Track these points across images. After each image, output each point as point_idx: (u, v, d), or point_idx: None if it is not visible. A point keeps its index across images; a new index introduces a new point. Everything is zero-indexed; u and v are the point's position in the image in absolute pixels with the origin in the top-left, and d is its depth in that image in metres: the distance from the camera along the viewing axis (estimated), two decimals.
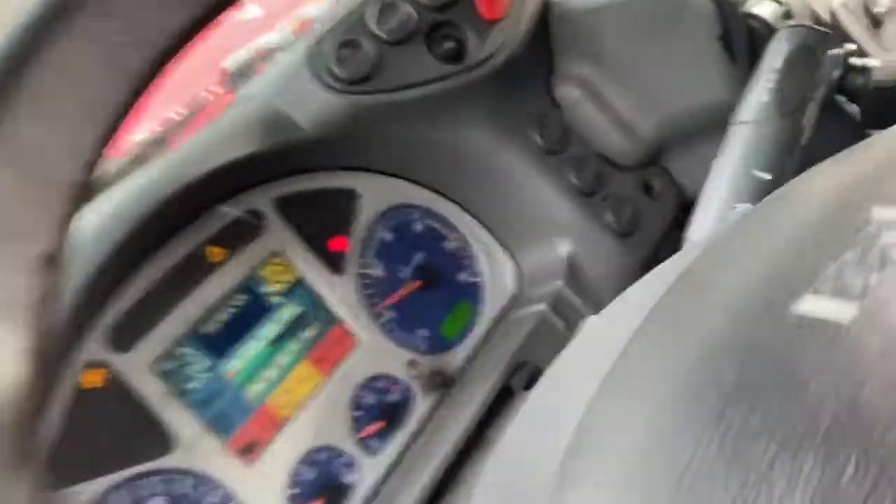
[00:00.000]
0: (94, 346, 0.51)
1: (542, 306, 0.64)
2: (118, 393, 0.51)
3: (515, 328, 0.65)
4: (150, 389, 0.52)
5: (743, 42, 0.61)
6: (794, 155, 0.48)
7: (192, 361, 0.54)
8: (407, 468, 0.59)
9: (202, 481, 0.52)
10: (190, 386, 0.54)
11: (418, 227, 0.68)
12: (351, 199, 0.64)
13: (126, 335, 0.52)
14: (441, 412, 0.61)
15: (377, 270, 0.64)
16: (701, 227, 0.48)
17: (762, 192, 0.47)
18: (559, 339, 0.63)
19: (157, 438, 0.52)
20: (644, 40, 0.64)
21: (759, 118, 0.48)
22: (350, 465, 0.58)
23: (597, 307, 0.66)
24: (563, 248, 0.67)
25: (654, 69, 0.65)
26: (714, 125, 0.65)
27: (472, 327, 0.67)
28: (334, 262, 0.62)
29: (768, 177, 0.46)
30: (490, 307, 0.68)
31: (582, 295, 0.65)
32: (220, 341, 0.56)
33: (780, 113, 0.47)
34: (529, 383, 0.62)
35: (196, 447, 0.53)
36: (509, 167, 0.66)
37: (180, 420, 0.53)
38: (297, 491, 0.55)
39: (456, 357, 0.65)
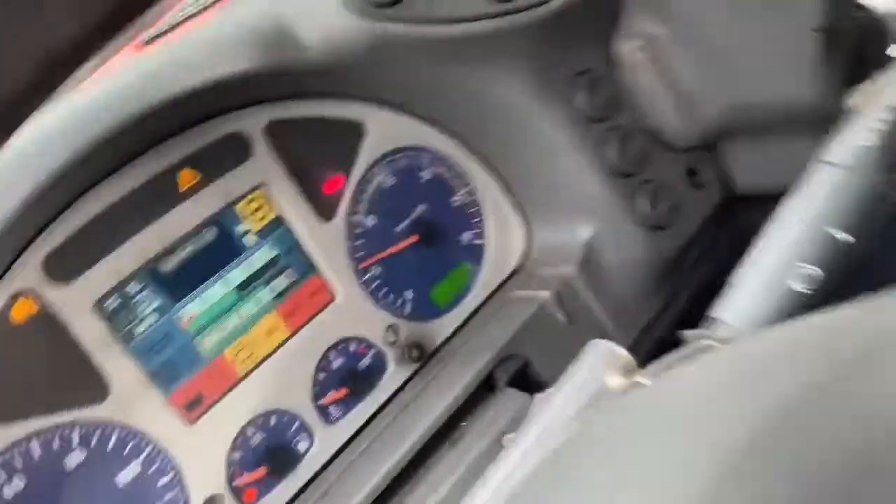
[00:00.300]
0: (26, 274, 0.44)
1: (545, 293, 0.57)
2: (50, 329, 0.45)
3: (512, 311, 0.58)
4: (88, 329, 0.46)
5: (847, 39, 0.51)
6: (882, 217, 0.39)
7: (143, 302, 0.48)
8: (366, 445, 0.53)
9: (133, 436, 0.47)
10: (136, 330, 0.47)
11: (426, 174, 0.59)
12: (355, 133, 0.56)
13: (67, 265, 0.45)
14: (414, 389, 0.56)
15: (371, 218, 0.57)
16: (750, 277, 0.40)
17: (835, 255, 0.39)
18: (557, 336, 0.56)
19: (89, 384, 0.46)
20: (730, 10, 0.54)
21: (853, 164, 0.39)
22: (304, 432, 0.53)
23: (608, 304, 0.59)
24: (585, 230, 0.59)
25: (734, 46, 0.55)
26: (786, 126, 0.56)
27: (466, 296, 0.60)
28: (323, 204, 0.54)
29: (849, 239, 0.38)
30: (489, 276, 0.61)
31: (593, 288, 0.58)
32: (179, 282, 0.49)
33: (885, 164, 0.38)
34: (514, 378, 0.56)
35: (132, 398, 0.47)
36: (545, 128, 0.57)
37: (118, 366, 0.47)
38: (239, 455, 0.50)
39: (441, 328, 0.58)
